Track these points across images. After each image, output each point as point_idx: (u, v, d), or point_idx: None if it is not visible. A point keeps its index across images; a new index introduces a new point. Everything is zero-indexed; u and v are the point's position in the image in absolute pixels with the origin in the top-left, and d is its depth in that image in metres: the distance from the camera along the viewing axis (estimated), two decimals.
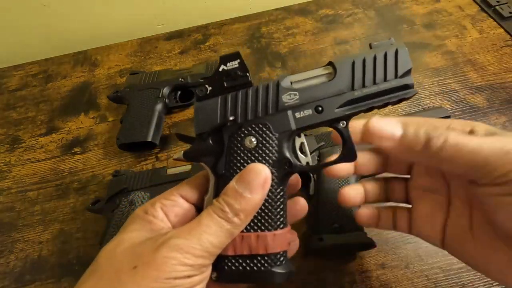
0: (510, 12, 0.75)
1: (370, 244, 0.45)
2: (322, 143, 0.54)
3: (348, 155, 0.31)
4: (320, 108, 0.31)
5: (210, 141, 0.31)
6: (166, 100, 0.67)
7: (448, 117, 0.56)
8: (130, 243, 0.27)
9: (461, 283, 0.45)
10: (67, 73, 0.82)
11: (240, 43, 0.82)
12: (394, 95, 0.31)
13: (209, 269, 0.28)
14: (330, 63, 0.32)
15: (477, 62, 0.69)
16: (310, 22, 0.84)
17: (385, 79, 0.30)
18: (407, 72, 0.31)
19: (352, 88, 0.30)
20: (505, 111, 0.61)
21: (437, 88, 0.66)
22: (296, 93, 0.31)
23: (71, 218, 0.58)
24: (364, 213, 0.38)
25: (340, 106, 0.31)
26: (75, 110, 0.74)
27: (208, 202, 0.31)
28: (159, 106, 0.65)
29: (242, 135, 0.31)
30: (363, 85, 0.30)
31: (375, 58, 0.31)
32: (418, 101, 0.65)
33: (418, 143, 0.27)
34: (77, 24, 0.89)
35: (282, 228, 0.30)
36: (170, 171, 0.55)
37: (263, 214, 0.30)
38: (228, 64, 0.32)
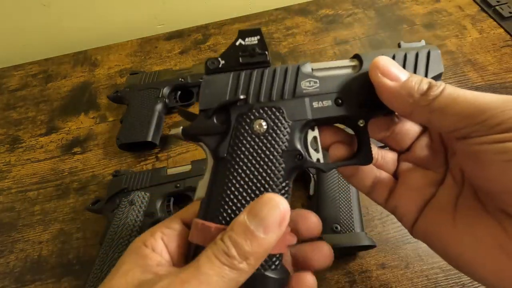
0: (510, 12, 0.75)
1: (370, 244, 0.45)
2: None
3: (364, 158, 0.29)
4: (340, 101, 0.28)
5: (215, 120, 0.28)
6: (166, 100, 0.67)
7: None
8: None
9: (461, 283, 0.45)
10: (67, 73, 0.82)
11: None
12: None
13: None
14: (356, 56, 0.30)
15: (477, 62, 0.69)
16: (310, 22, 0.84)
17: None
18: (438, 76, 0.29)
19: None
20: None
21: None
22: (317, 80, 0.29)
23: (71, 218, 0.58)
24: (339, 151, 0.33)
25: (361, 102, 0.29)
26: (75, 110, 0.74)
27: (201, 188, 0.28)
28: (159, 106, 0.65)
29: (252, 117, 0.28)
30: None
31: (405, 57, 0.29)
32: None
33: (418, 90, 0.26)
34: (77, 24, 0.89)
35: None
36: (170, 171, 0.55)
37: None
38: (246, 39, 0.29)
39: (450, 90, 0.25)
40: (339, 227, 0.46)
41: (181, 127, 0.29)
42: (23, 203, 0.61)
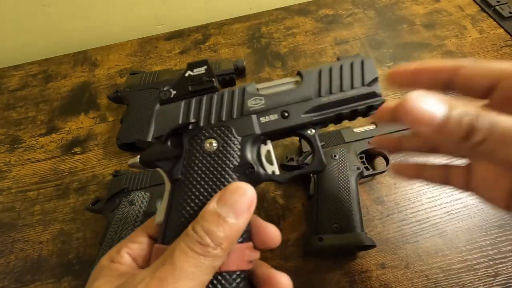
0: (510, 12, 0.75)
1: (370, 244, 0.45)
2: (322, 143, 0.54)
3: (317, 165, 0.31)
4: (286, 114, 0.30)
5: (169, 144, 0.30)
6: None
7: None
8: None
9: (461, 283, 0.45)
10: (67, 73, 0.82)
11: (240, 43, 0.82)
12: (362, 103, 0.31)
13: None
14: (298, 73, 0.32)
15: None
16: (310, 22, 0.84)
17: (352, 87, 0.31)
18: (374, 81, 0.31)
19: (319, 95, 0.31)
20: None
21: None
22: (262, 98, 0.31)
23: (71, 218, 0.58)
24: (399, 164, 0.32)
25: (307, 112, 0.30)
26: (75, 110, 0.74)
27: (160, 212, 0.28)
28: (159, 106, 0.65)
29: (203, 137, 0.29)
30: (330, 92, 0.31)
31: (341, 67, 0.32)
32: None
33: (458, 133, 0.21)
34: (77, 24, 0.89)
35: (241, 242, 0.26)
36: None
37: None
38: (194, 70, 0.31)
39: (502, 129, 0.20)
40: (339, 227, 0.46)
41: (139, 156, 0.30)
42: (23, 203, 0.61)
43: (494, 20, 0.75)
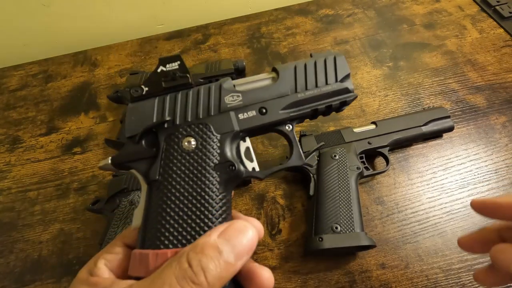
0: (510, 12, 0.75)
1: (370, 244, 0.45)
2: (322, 143, 0.54)
3: (295, 159, 0.31)
4: (264, 110, 0.30)
5: (143, 144, 0.28)
6: None
7: (448, 117, 0.57)
8: None
9: (461, 283, 0.45)
10: (67, 73, 0.82)
11: (240, 43, 0.82)
12: (336, 98, 0.32)
13: None
14: (274, 69, 0.33)
15: (477, 62, 0.69)
16: (310, 22, 0.84)
17: (326, 83, 0.32)
18: (346, 77, 0.32)
19: (296, 91, 0.31)
20: (505, 111, 0.61)
21: (437, 88, 0.66)
22: (239, 94, 0.30)
23: (71, 218, 0.58)
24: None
25: (284, 108, 0.31)
26: (75, 110, 0.74)
27: (137, 216, 0.27)
28: None
29: (180, 136, 0.28)
30: (306, 88, 0.31)
31: (315, 64, 0.32)
32: (418, 101, 0.65)
33: None
34: (77, 24, 0.89)
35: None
36: None
37: (197, 224, 0.25)
38: (167, 65, 0.30)
39: None
40: (339, 227, 0.46)
41: (110, 157, 0.28)
42: (23, 203, 0.61)
43: (494, 20, 0.76)
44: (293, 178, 0.57)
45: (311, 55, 0.33)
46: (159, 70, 0.29)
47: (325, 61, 0.32)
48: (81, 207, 0.58)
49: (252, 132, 0.31)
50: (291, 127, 0.31)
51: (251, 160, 0.31)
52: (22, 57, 0.86)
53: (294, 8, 0.88)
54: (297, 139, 0.32)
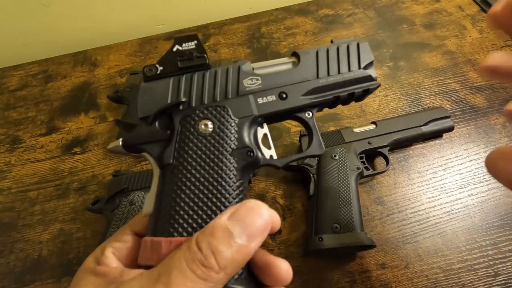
0: None
1: (370, 244, 0.45)
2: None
3: (315, 148, 0.30)
4: (284, 95, 0.29)
5: (157, 126, 0.27)
6: None
7: (448, 117, 0.57)
8: None
9: (461, 283, 0.45)
10: (67, 73, 0.82)
11: (240, 43, 0.82)
12: (359, 86, 0.31)
13: None
14: (294, 53, 0.31)
15: (477, 62, 0.69)
16: (310, 22, 0.84)
17: (349, 69, 0.31)
18: (370, 64, 0.31)
19: (317, 76, 0.30)
20: None
21: (437, 88, 0.66)
22: (259, 78, 0.29)
23: (71, 218, 0.58)
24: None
25: (305, 94, 0.30)
26: (75, 110, 0.74)
27: (148, 202, 0.26)
28: None
29: (197, 118, 0.27)
30: (328, 74, 0.30)
31: (338, 49, 0.31)
32: (418, 101, 0.65)
33: None
34: (77, 24, 0.89)
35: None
36: None
37: (213, 212, 0.24)
38: (183, 45, 0.28)
39: None
40: (339, 227, 0.46)
41: (121, 139, 0.27)
42: (23, 203, 0.61)
43: None
44: (293, 178, 0.57)
45: (331, 41, 0.32)
46: (174, 49, 0.28)
47: (347, 47, 0.31)
48: (81, 207, 0.58)
49: (270, 118, 0.29)
50: (311, 114, 0.30)
51: (269, 148, 0.30)
52: (22, 57, 0.86)
53: (294, 8, 0.88)
54: (317, 127, 0.30)
